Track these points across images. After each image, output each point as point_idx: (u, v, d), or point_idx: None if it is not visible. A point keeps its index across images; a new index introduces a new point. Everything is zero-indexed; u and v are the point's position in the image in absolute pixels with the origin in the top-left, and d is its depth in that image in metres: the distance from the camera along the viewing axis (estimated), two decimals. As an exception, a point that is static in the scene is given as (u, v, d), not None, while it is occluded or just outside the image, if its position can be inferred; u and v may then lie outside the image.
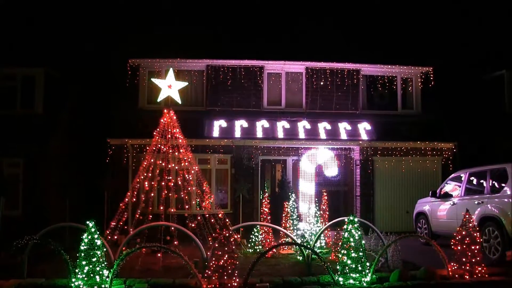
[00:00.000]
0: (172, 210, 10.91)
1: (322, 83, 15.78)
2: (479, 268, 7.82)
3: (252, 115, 15.19)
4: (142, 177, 10.57)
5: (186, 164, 11.05)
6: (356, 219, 7.86)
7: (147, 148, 11.38)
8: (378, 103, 16.27)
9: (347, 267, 7.48)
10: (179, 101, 11.33)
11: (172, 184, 10.73)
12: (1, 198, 12.80)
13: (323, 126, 14.93)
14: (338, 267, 7.62)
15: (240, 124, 14.75)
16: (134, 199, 10.61)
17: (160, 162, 10.78)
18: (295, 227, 11.14)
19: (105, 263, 7.26)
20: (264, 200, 11.48)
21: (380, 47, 17.20)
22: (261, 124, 14.81)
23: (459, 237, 7.97)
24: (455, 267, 7.88)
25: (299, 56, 15.82)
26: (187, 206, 10.65)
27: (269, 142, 14.70)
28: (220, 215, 11.07)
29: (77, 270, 7.03)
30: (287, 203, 11.45)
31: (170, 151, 10.79)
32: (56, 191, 13.66)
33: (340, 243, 9.23)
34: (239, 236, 11.82)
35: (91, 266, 7.01)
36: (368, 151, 14.98)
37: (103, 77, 16.35)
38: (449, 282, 7.60)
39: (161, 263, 9.23)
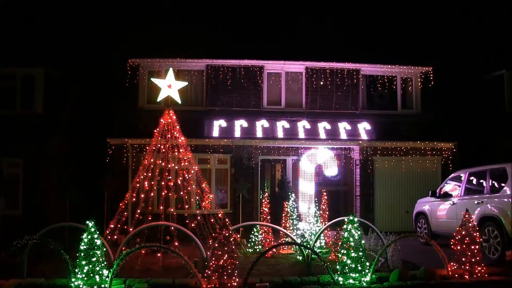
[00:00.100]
0: (172, 210, 10.90)
1: (322, 83, 15.79)
2: (479, 268, 7.82)
3: (252, 115, 15.20)
4: (142, 177, 10.57)
5: (186, 164, 11.05)
6: (355, 219, 7.87)
7: (147, 148, 11.38)
8: (378, 103, 16.28)
9: (346, 267, 7.48)
10: (179, 101, 11.34)
11: (172, 184, 10.73)
12: (1, 198, 12.82)
13: (323, 126, 14.93)
14: (338, 267, 7.62)
15: (240, 124, 14.76)
16: (134, 199, 10.60)
17: (160, 162, 10.78)
18: (295, 227, 11.14)
19: (105, 263, 7.26)
20: (264, 200, 11.48)
21: (380, 47, 17.20)
22: (261, 124, 14.82)
23: (459, 237, 7.97)
24: (455, 267, 7.89)
25: (299, 56, 15.82)
26: (187, 206, 10.66)
27: (269, 142, 14.70)
28: (220, 215, 11.08)
29: (76, 270, 7.03)
30: (286, 203, 11.45)
31: (170, 151, 10.79)
32: (56, 191, 13.66)
33: (340, 243, 9.24)
34: (239, 236, 11.83)
35: (90, 266, 7.02)
36: (368, 151, 14.98)
37: (103, 77, 16.35)
38: (448, 282, 7.61)
39: (161, 263, 9.23)
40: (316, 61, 15.73)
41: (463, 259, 7.85)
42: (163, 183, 10.58)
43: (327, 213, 11.60)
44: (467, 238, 7.89)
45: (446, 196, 11.51)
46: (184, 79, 13.69)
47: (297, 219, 11.46)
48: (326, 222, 11.02)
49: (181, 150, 10.91)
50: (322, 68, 15.80)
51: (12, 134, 13.69)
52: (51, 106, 14.60)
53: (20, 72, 14.61)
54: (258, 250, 10.67)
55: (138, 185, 10.70)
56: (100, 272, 7.07)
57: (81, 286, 6.94)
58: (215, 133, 14.47)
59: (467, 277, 7.71)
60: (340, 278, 7.37)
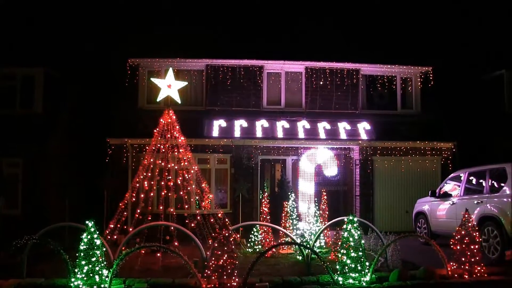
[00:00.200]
0: (172, 209, 10.89)
1: (321, 83, 15.79)
2: (478, 268, 7.82)
3: (252, 115, 15.20)
4: (142, 177, 10.57)
5: (186, 164, 11.05)
6: (355, 219, 7.87)
7: (147, 147, 11.38)
8: (378, 103, 16.28)
9: (346, 267, 7.48)
10: (179, 101, 11.33)
11: (171, 183, 10.73)
12: (1, 198, 12.82)
13: (323, 126, 14.93)
14: (337, 267, 7.62)
15: (239, 124, 14.76)
16: (134, 199, 10.60)
17: (160, 161, 10.78)
18: (294, 227, 11.15)
19: (105, 262, 7.26)
20: (263, 200, 11.47)
21: (379, 47, 17.20)
22: (261, 124, 14.82)
23: (459, 236, 7.97)
24: (455, 267, 7.88)
25: (299, 55, 15.82)
26: (186, 206, 10.66)
27: (268, 142, 14.70)
28: (219, 214, 11.08)
29: (76, 270, 7.03)
30: (286, 202, 11.46)
31: (170, 151, 10.79)
32: (55, 190, 13.66)
33: (339, 243, 9.24)
34: (238, 235, 11.83)
35: (90, 266, 7.01)
36: (368, 151, 14.98)
37: (103, 77, 16.35)
38: (448, 282, 7.60)
39: (161, 263, 9.24)
40: (316, 61, 15.73)
41: (463, 258, 7.85)
42: (162, 183, 10.58)
43: (327, 213, 11.60)
44: (467, 238, 7.89)
45: (446, 196, 11.51)
46: (184, 79, 13.67)
47: (297, 219, 11.46)
48: (326, 222, 11.02)
49: (181, 150, 10.91)
50: (322, 68, 15.81)
51: (11, 134, 13.69)
52: (51, 106, 14.61)
53: (20, 72, 14.62)
54: (257, 250, 10.67)
55: (138, 185, 10.70)
56: (100, 272, 7.07)
57: (80, 286, 6.94)
58: (215, 133, 14.48)
59: (466, 276, 7.71)
60: (340, 278, 7.37)
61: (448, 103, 16.14)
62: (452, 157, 15.08)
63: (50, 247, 7.26)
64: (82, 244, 7.11)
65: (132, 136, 14.09)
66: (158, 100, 11.49)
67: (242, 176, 14.42)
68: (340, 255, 7.78)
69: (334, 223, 9.93)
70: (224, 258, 6.98)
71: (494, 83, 16.13)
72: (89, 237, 7.12)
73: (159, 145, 10.75)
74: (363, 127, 15.12)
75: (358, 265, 7.45)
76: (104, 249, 7.51)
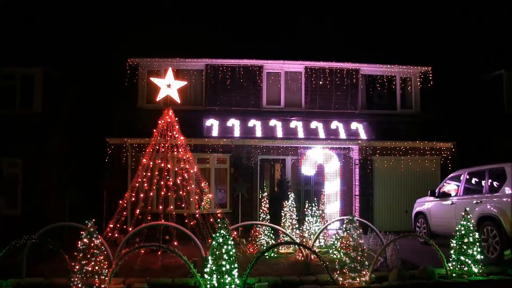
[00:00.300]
0: (172, 207, 10.89)
1: (321, 83, 15.80)
2: (478, 268, 7.83)
3: (251, 115, 15.21)
4: (141, 177, 10.57)
5: (185, 164, 11.05)
6: (355, 219, 7.88)
7: (146, 147, 11.38)
8: (377, 103, 16.29)
9: (346, 267, 7.48)
10: (178, 101, 11.33)
11: (171, 183, 10.73)
12: (1, 198, 12.82)
13: (322, 126, 14.95)
14: (337, 267, 7.62)
15: (239, 124, 14.77)
16: (133, 199, 10.61)
17: (159, 161, 10.78)
18: (294, 227, 11.14)
19: (104, 262, 7.26)
20: (263, 200, 11.48)
21: (379, 46, 17.21)
22: (260, 124, 14.84)
23: (458, 236, 7.98)
24: (454, 267, 7.89)
25: (299, 55, 15.83)
26: (186, 206, 10.66)
27: (268, 142, 14.71)
28: (219, 214, 11.08)
29: (76, 270, 7.02)
30: (286, 202, 11.45)
31: (169, 150, 10.79)
32: (55, 190, 13.67)
33: (339, 243, 9.25)
34: (238, 235, 11.83)
35: (90, 266, 7.01)
36: (367, 151, 14.99)
37: (102, 77, 16.34)
38: (447, 282, 7.61)
39: (160, 263, 9.24)
40: (315, 61, 15.74)
41: (462, 258, 7.86)
42: (162, 182, 10.59)
43: (326, 212, 11.59)
44: (466, 238, 7.90)
45: (445, 195, 11.52)
46: (184, 79, 13.70)
47: (297, 219, 11.45)
48: (325, 222, 11.03)
49: (180, 150, 10.91)
50: (322, 68, 15.82)
51: (11, 134, 13.69)
52: (51, 106, 14.61)
53: (19, 72, 14.62)
54: (257, 249, 10.68)
55: (137, 184, 10.71)
56: (100, 271, 7.07)
57: (80, 286, 6.94)
58: (215, 132, 14.48)
59: (465, 276, 7.72)
60: (339, 278, 7.38)
61: (447, 103, 16.14)
62: (451, 157, 15.09)
63: (49, 247, 7.26)
64: (82, 244, 7.10)
65: (132, 135, 14.09)
66: (157, 99, 11.49)
67: (241, 176, 14.43)
68: (339, 255, 7.78)
69: (334, 223, 9.93)
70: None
71: (494, 83, 16.14)
72: (88, 237, 7.11)
73: (158, 145, 10.74)
74: (363, 127, 15.14)
75: (358, 264, 7.45)
76: (103, 248, 7.51)
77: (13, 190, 13.63)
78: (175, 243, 9.77)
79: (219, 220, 7.55)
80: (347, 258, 7.50)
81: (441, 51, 17.95)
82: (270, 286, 7.35)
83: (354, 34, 18.10)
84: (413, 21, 19.34)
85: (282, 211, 11.45)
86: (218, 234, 7.03)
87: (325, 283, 7.40)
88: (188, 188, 10.94)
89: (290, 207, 11.32)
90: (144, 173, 10.56)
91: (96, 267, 7.00)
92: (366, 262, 7.66)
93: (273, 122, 15.01)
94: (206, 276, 6.94)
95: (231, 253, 6.95)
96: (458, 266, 7.84)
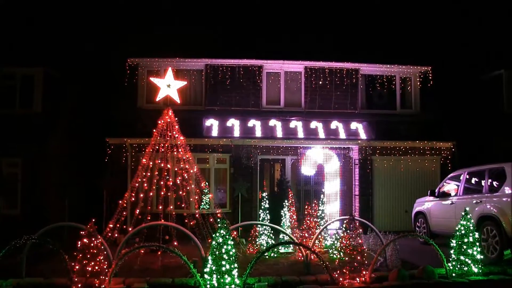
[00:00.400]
0: (171, 207, 10.89)
1: (321, 83, 15.80)
2: (477, 268, 7.83)
3: (251, 115, 15.21)
4: (141, 177, 10.57)
5: (185, 164, 11.05)
6: (355, 219, 7.88)
7: (146, 147, 11.38)
8: (377, 103, 16.29)
9: (345, 266, 7.48)
10: (178, 100, 11.33)
11: (171, 183, 10.73)
12: (0, 198, 12.83)
13: (322, 126, 14.95)
14: (336, 266, 7.62)
15: (239, 124, 14.77)
16: (133, 199, 10.61)
17: (159, 161, 10.78)
18: (294, 226, 11.13)
19: (104, 262, 7.26)
20: (263, 200, 11.48)
21: (379, 46, 17.21)
22: (260, 124, 14.84)
23: (458, 236, 7.98)
24: (453, 266, 7.89)
25: (298, 55, 15.83)
26: (186, 206, 10.66)
27: (268, 142, 14.71)
28: (218, 214, 11.08)
29: (75, 270, 7.02)
30: (286, 202, 11.46)
31: (169, 150, 10.79)
32: (55, 190, 13.67)
33: (339, 243, 9.25)
34: (238, 235, 11.83)
35: (90, 266, 7.01)
36: (367, 151, 14.99)
37: (102, 77, 16.34)
38: (447, 281, 7.62)
39: (160, 263, 9.24)
40: (315, 61, 15.74)
41: (462, 258, 7.86)
42: (162, 182, 10.59)
43: (326, 212, 11.59)
44: (466, 238, 7.90)
45: (445, 195, 11.52)
46: (183, 79, 13.70)
47: (296, 219, 11.45)
48: (325, 222, 11.03)
49: (180, 150, 10.91)
50: (321, 68, 15.82)
51: (11, 133, 13.69)
52: (51, 106, 14.61)
53: (19, 72, 14.62)
54: (257, 249, 10.68)
55: (137, 184, 10.70)
56: (99, 271, 7.07)
57: (80, 285, 6.94)
58: (214, 132, 14.49)
59: (465, 276, 7.72)
60: (339, 278, 7.38)
61: (447, 103, 16.15)
62: (451, 157, 15.10)
63: (49, 247, 7.27)
64: (81, 244, 7.10)
65: (132, 135, 14.09)
66: (157, 99, 11.49)
67: (241, 176, 14.42)
68: (339, 255, 7.79)
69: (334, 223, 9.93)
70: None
71: (493, 83, 16.15)
72: (88, 237, 7.12)
73: (158, 145, 10.75)
74: (363, 126, 15.14)
75: (358, 264, 7.46)
76: (102, 247, 7.51)
77: (13, 190, 13.63)
78: (175, 243, 9.77)
79: (219, 220, 7.54)
80: (347, 258, 7.50)
81: (441, 51, 17.96)
82: (270, 286, 7.36)
83: (353, 34, 18.11)
84: (413, 21, 19.35)
85: (282, 211, 11.47)
86: (218, 234, 7.04)
87: (325, 282, 7.41)
88: (188, 188, 10.94)
89: (289, 207, 11.33)
90: (144, 173, 10.55)
91: (96, 267, 7.00)
92: (366, 262, 7.67)
93: (272, 122, 15.01)
94: (206, 276, 6.95)
95: (231, 253, 6.96)
96: (458, 266, 7.86)
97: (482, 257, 8.00)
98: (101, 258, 7.10)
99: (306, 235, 10.90)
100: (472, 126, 15.70)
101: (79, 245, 7.04)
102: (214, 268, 6.92)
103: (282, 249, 10.78)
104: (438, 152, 15.19)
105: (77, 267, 6.94)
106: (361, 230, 7.85)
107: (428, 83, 15.95)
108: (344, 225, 9.04)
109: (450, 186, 11.67)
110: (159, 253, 9.74)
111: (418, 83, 16.30)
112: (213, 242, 7.05)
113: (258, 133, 14.61)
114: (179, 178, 10.82)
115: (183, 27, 17.41)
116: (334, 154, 15.27)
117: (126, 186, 12.99)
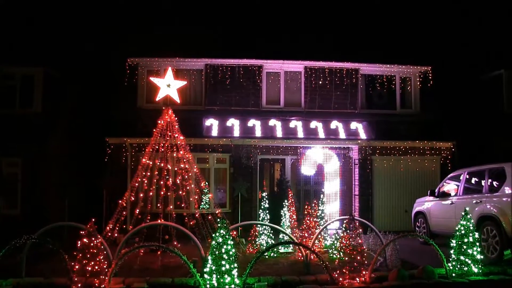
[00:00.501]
0: (171, 207, 10.89)
1: (321, 83, 15.80)
2: (477, 267, 7.83)
3: (251, 114, 15.22)
4: (141, 176, 10.57)
5: (185, 163, 11.05)
6: (355, 218, 7.88)
7: (146, 147, 11.39)
8: (377, 103, 16.29)
9: (345, 266, 7.49)
10: (178, 100, 11.32)
11: (170, 183, 10.73)
12: (0, 198, 12.83)
13: (322, 125, 14.95)
14: (336, 266, 7.62)
15: (238, 123, 14.78)
16: (133, 198, 10.61)
17: (159, 161, 10.78)
18: (293, 226, 11.13)
19: (104, 262, 7.26)
20: (262, 199, 11.48)
21: (379, 46, 17.21)
22: (260, 123, 14.84)
23: (458, 236, 7.98)
24: (454, 266, 7.89)
25: (298, 55, 15.83)
26: (185, 206, 10.66)
27: (267, 141, 14.71)
28: (218, 214, 11.08)
29: (75, 270, 7.02)
30: (285, 202, 11.46)
31: (169, 150, 10.79)
32: (55, 190, 13.66)
33: (339, 243, 9.26)
34: (237, 235, 11.83)
35: (89, 266, 7.01)
36: (367, 151, 14.99)
37: (102, 76, 16.34)
38: (447, 282, 7.62)
39: (160, 262, 9.24)
40: (315, 61, 15.74)
41: (461, 258, 7.86)
42: (162, 182, 10.59)
43: (326, 212, 11.59)
44: (466, 238, 7.90)
45: (445, 195, 11.52)
46: (183, 79, 13.70)
47: (296, 219, 11.46)
48: (325, 222, 11.03)
49: (180, 150, 10.91)
50: (321, 68, 15.82)
51: (11, 133, 13.70)
52: (51, 106, 14.61)
53: (19, 72, 14.61)
54: (257, 249, 10.68)
55: (137, 184, 10.70)
56: (99, 271, 7.06)
57: (80, 285, 6.94)
58: (214, 132, 14.49)
59: (465, 276, 7.72)
60: (339, 278, 7.38)
61: (447, 103, 16.15)
62: (451, 157, 15.10)
63: (49, 246, 7.27)
64: (81, 243, 7.10)
65: (131, 135, 14.09)
66: (157, 99, 11.48)
67: (241, 176, 14.43)
68: (339, 255, 7.79)
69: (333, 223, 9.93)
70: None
71: (493, 83, 16.15)
72: (88, 237, 7.12)
73: (158, 145, 10.75)
74: (362, 126, 15.14)
75: (357, 264, 7.46)
76: (102, 247, 7.51)
77: (13, 190, 13.63)
78: (175, 243, 9.77)
79: (218, 220, 7.54)
80: (346, 258, 7.50)
81: (441, 51, 17.96)
82: (270, 285, 7.36)
83: (353, 33, 18.11)
84: (413, 21, 19.35)
85: (282, 211, 11.47)
86: (217, 234, 7.04)
87: (324, 282, 7.41)
88: (188, 188, 10.94)
89: (289, 207, 11.33)
90: (144, 173, 10.55)
91: (96, 267, 7.00)
92: (366, 262, 7.67)
93: (272, 122, 15.02)
94: (205, 276, 6.95)
95: (230, 253, 6.96)
96: (458, 266, 7.86)
97: (482, 257, 8.00)
98: (101, 257, 7.10)
99: (306, 235, 10.90)
100: (472, 126, 15.70)
101: (79, 245, 7.04)
102: (214, 268, 6.93)
103: (282, 249, 10.77)
104: (438, 152, 15.19)
105: (77, 266, 6.94)
106: (361, 230, 7.85)
107: (428, 83, 15.95)
108: (344, 225, 9.06)
109: (450, 186, 11.67)
110: (159, 253, 9.74)
111: (418, 83, 16.30)
112: (213, 242, 7.05)
113: (258, 133, 14.61)
114: (179, 178, 10.82)
115: (183, 27, 17.42)
116: (334, 154, 15.27)
117: (126, 186, 12.98)
